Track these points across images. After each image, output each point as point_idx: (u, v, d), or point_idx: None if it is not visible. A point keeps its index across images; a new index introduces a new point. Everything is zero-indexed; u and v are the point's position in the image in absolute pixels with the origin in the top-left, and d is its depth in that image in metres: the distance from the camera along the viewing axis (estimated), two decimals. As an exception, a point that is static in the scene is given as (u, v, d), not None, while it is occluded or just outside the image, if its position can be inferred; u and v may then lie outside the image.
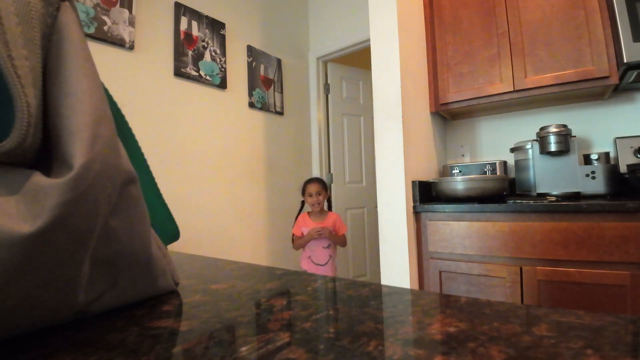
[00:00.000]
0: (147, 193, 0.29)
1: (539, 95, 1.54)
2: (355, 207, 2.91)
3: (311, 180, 2.12)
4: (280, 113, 2.54)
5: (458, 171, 1.84)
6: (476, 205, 1.33)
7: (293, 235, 2.09)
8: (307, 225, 2.04)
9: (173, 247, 1.80)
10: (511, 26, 1.58)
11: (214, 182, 2.03)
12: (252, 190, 2.25)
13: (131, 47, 1.65)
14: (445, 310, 0.23)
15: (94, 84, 0.22)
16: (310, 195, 2.05)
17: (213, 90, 2.06)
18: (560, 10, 1.48)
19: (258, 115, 2.36)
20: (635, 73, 1.34)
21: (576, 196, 1.45)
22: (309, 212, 2.11)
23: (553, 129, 1.47)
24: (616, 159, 1.53)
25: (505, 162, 1.79)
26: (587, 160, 1.58)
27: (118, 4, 1.61)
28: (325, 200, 2.16)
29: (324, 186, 2.11)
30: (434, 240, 1.43)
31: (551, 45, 1.49)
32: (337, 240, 2.07)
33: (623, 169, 1.49)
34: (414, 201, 1.48)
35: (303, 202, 2.16)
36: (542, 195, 1.49)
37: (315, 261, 1.98)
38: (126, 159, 0.24)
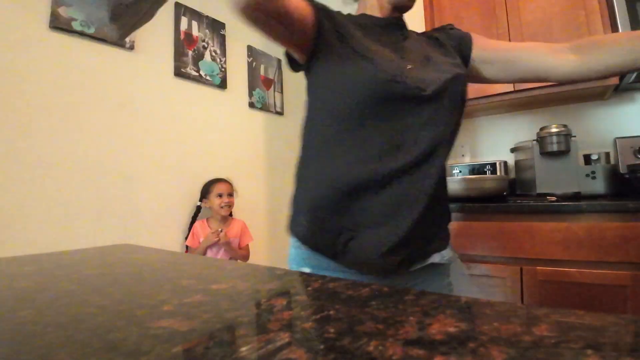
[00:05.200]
0: None
1: (539, 95, 1.54)
2: (356, 207, 2.91)
3: (220, 179, 1.84)
4: (280, 113, 2.53)
5: (458, 171, 1.84)
6: (476, 206, 1.32)
7: (187, 248, 1.75)
8: (206, 234, 1.74)
9: (173, 246, 1.80)
10: (511, 26, 1.58)
11: (214, 182, 2.02)
12: (252, 190, 2.25)
13: (131, 47, 1.65)
14: (445, 310, 0.23)
15: None
16: (220, 196, 1.77)
17: (213, 90, 2.05)
18: (560, 11, 1.47)
19: (258, 115, 2.36)
20: (635, 73, 1.34)
21: (576, 196, 1.45)
22: (208, 219, 1.82)
23: (553, 129, 1.47)
24: (616, 159, 1.53)
25: (505, 162, 1.79)
26: (587, 160, 1.58)
27: (118, 4, 1.61)
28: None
29: (232, 188, 1.86)
30: (434, 240, 1.43)
31: (551, 45, 1.49)
32: (236, 253, 1.79)
33: (623, 169, 1.48)
34: (414, 201, 1.47)
35: (199, 207, 1.83)
36: (543, 196, 1.49)
37: None
38: None
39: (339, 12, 0.66)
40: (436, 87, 0.58)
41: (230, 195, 1.83)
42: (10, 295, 0.32)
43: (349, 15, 0.69)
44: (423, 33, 0.77)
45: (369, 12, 0.70)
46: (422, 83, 0.58)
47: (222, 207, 1.77)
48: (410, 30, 0.72)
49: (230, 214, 1.92)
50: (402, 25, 0.70)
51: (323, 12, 0.61)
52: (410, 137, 0.56)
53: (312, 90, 0.66)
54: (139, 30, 1.75)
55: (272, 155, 2.44)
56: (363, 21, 0.67)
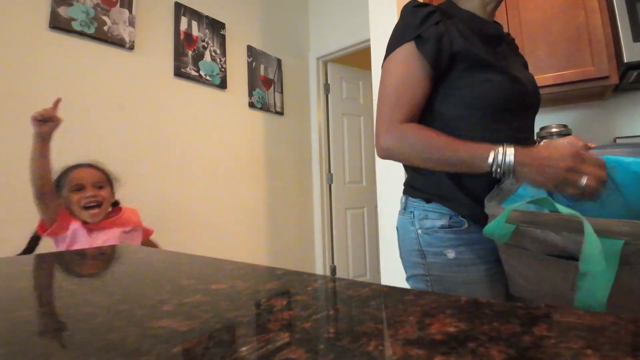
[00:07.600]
0: None
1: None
2: (355, 207, 2.91)
3: (79, 165, 1.13)
4: (280, 113, 2.54)
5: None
6: (476, 205, 1.32)
7: (39, 237, 1.11)
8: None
9: (173, 247, 1.80)
10: (511, 26, 1.58)
11: (214, 182, 2.02)
12: (252, 190, 2.25)
13: (131, 47, 1.65)
14: (445, 310, 0.23)
15: None
16: (79, 189, 1.08)
17: (213, 90, 2.05)
18: (560, 10, 1.47)
19: (258, 115, 2.36)
20: (635, 73, 1.34)
21: (576, 196, 1.45)
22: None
23: (553, 129, 1.47)
24: (616, 159, 1.52)
25: (505, 162, 1.79)
26: (587, 160, 1.58)
27: (118, 4, 1.61)
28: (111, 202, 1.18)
29: (105, 176, 1.17)
30: (434, 240, 1.43)
31: (551, 45, 1.49)
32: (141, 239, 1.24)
33: (623, 169, 1.48)
34: (414, 201, 1.47)
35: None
36: (542, 195, 1.49)
37: None
38: None
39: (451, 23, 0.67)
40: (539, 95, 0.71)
41: (100, 187, 1.13)
42: (10, 295, 0.32)
43: (460, 18, 0.72)
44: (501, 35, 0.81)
45: (470, 8, 0.76)
46: (534, 88, 0.69)
47: (84, 208, 1.07)
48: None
49: (117, 203, 1.23)
50: (500, 27, 0.79)
51: (438, 58, 0.63)
52: (524, 137, 0.67)
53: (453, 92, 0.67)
54: (139, 30, 1.75)
55: (272, 155, 2.44)
56: (476, 26, 0.74)
